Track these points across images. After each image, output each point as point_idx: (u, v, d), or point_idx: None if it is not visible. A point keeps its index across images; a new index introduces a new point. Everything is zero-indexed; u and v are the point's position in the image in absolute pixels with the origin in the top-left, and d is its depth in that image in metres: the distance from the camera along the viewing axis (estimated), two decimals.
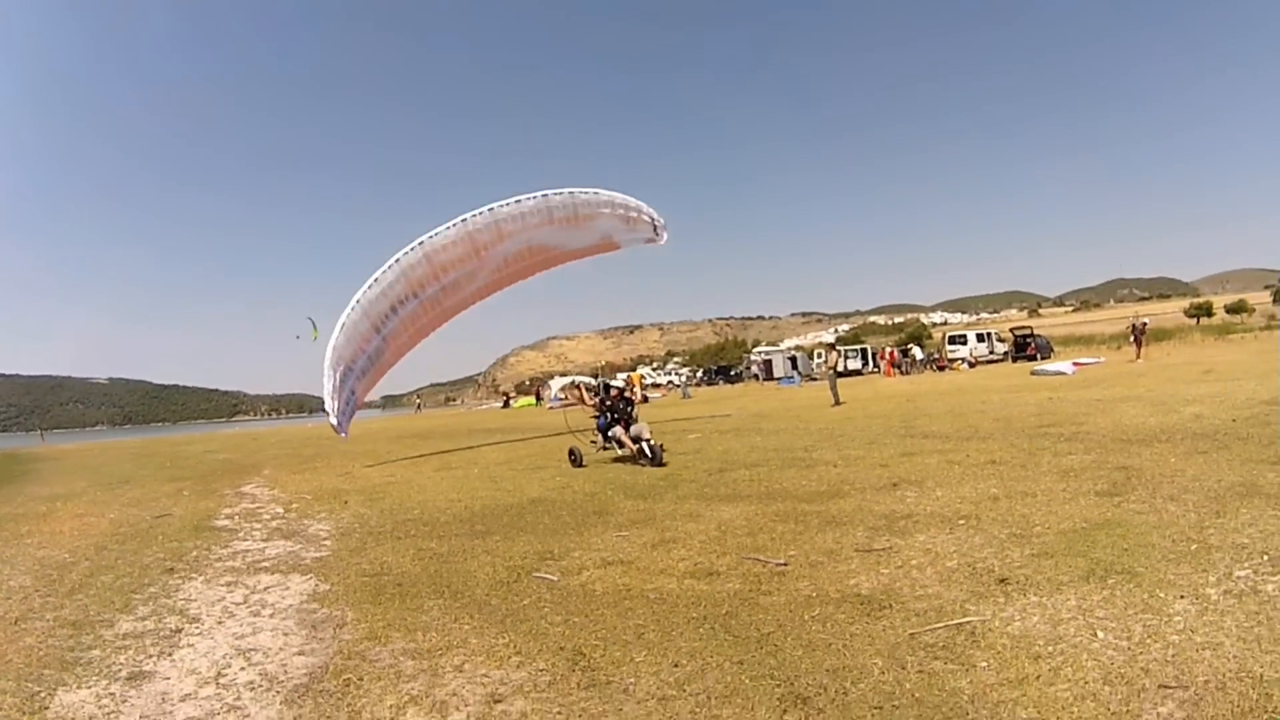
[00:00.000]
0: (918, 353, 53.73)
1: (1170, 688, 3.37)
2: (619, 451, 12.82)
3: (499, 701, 3.67)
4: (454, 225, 16.00)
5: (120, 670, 4.43)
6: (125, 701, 4.00)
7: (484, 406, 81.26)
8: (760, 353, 69.15)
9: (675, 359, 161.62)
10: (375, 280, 15.82)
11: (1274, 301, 73.52)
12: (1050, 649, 3.89)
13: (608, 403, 13.54)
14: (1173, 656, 3.67)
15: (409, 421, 42.32)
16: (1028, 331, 53.76)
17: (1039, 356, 45.26)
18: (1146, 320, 38.83)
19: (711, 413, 24.62)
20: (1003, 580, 4.95)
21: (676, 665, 3.98)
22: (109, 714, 3.87)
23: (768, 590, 5.09)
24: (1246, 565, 4.79)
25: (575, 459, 12.82)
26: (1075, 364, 32.36)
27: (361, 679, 4.07)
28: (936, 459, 9.98)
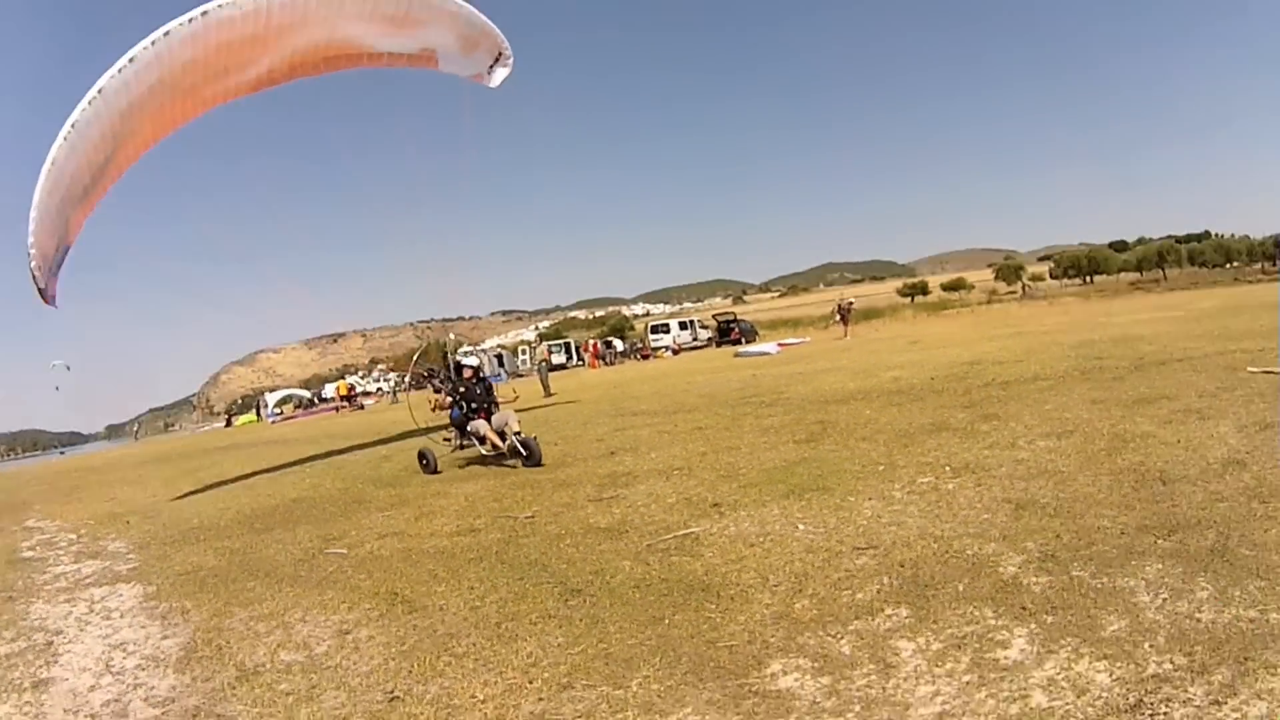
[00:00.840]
0: (619, 344, 68.36)
1: (863, 549, 6.27)
2: (482, 450, 13.58)
3: (348, 632, 6.09)
4: None
5: (23, 683, 6.12)
6: (43, 705, 5.64)
7: (205, 429, 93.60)
8: (465, 352, 78.03)
9: (379, 365, 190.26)
10: (126, 63, 14.00)
11: (996, 278, 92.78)
12: (761, 539, 6.76)
13: (461, 389, 14.12)
14: (863, 532, 6.68)
15: (143, 448, 53.07)
16: (731, 317, 69.43)
17: (743, 341, 58.28)
18: (852, 300, 51.62)
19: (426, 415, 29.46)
20: (716, 505, 8.05)
21: (471, 589, 6.66)
22: (37, 717, 5.48)
23: (524, 535, 8.29)
24: (929, 475, 8.29)
25: (427, 464, 13.67)
26: (780, 345, 42.70)
27: (228, 642, 6.27)
28: (648, 430, 14.31)
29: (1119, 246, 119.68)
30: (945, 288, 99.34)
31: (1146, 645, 4.13)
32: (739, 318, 68.57)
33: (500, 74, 18.83)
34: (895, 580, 5.47)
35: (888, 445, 9.92)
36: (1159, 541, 5.60)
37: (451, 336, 17.87)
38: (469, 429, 13.68)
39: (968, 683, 3.99)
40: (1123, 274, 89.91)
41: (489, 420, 13.46)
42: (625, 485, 9.82)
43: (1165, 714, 3.51)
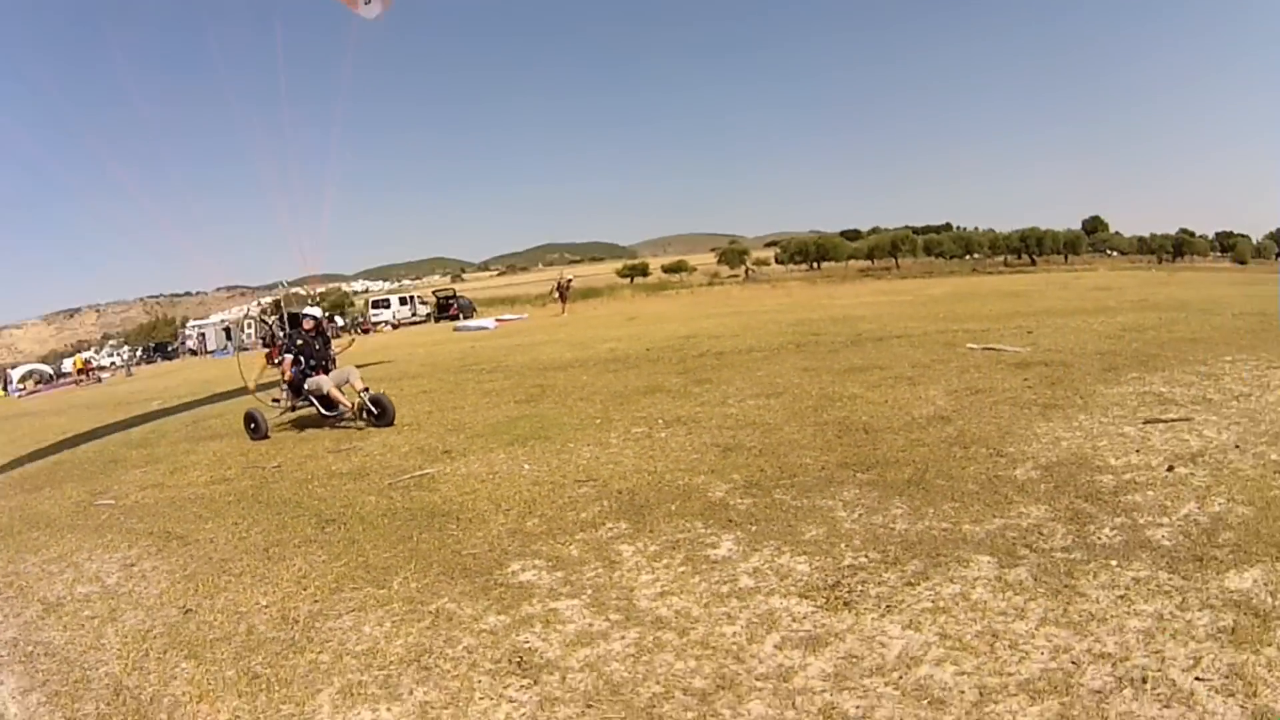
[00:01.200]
0: (340, 320, 70.44)
1: (584, 481, 7.47)
2: (321, 411, 13.22)
3: (133, 565, 6.90)
4: None
5: None
6: None
7: None
8: (195, 327, 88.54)
9: (111, 340, 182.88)
10: None
11: (718, 262, 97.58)
12: (491, 476, 7.87)
13: (299, 342, 13.57)
14: (584, 469, 7.89)
15: None
16: (450, 294, 72.50)
17: (462, 316, 61.38)
18: (571, 278, 55.55)
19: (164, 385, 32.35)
20: (446, 452, 9.16)
21: (236, 524, 7.68)
22: None
23: (274, 481, 9.41)
24: (643, 425, 9.64)
25: (256, 428, 13.17)
26: (498, 320, 45.35)
27: (28, 583, 6.93)
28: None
29: (851, 235, 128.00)
30: (666, 269, 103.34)
31: (843, 545, 5.41)
32: (458, 294, 71.77)
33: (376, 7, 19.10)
34: (614, 504, 6.65)
35: (604, 404, 11.32)
36: (858, 474, 7.03)
37: (284, 284, 16.42)
38: (306, 387, 13.34)
39: (683, 572, 5.12)
40: (853, 261, 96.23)
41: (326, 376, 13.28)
42: (361, 440, 10.84)
43: (862, 591, 4.72)
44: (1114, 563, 5.35)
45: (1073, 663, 4.20)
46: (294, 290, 16.23)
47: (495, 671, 4.12)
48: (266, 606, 5.23)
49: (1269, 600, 4.77)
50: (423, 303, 72.88)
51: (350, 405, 12.84)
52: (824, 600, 4.74)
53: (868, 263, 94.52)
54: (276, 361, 14.07)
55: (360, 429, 12.58)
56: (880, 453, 7.79)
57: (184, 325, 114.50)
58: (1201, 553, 5.50)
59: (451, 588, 5.18)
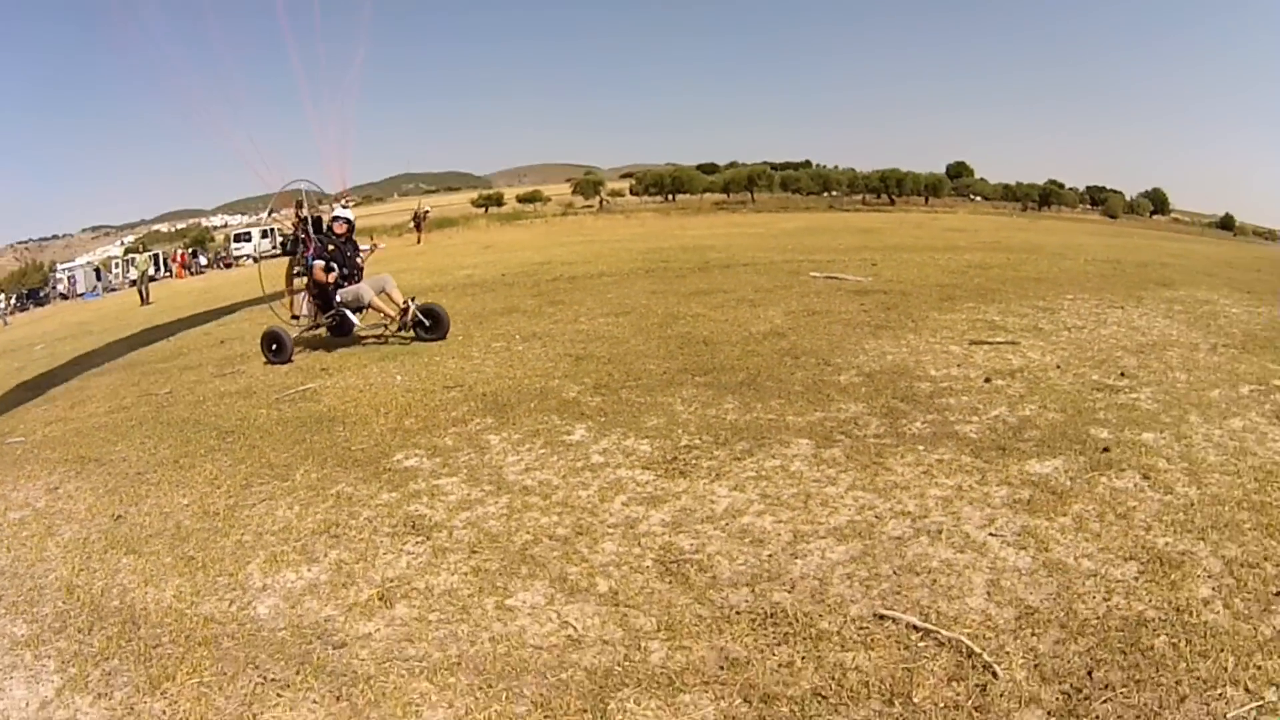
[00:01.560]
0: (201, 257, 72.14)
1: (451, 387, 8.37)
2: (355, 321, 12.25)
3: (57, 488, 7.21)
4: None
5: None
6: None
7: None
8: (65, 270, 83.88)
9: None
10: None
11: (573, 193, 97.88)
12: (368, 387, 8.74)
13: (330, 248, 12.31)
14: (451, 377, 8.84)
15: None
16: None
17: None
18: (429, 209, 55.49)
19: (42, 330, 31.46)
20: (324, 369, 9.98)
21: (144, 443, 8.12)
22: None
23: (169, 406, 9.74)
24: (502, 341, 10.63)
25: (280, 348, 11.66)
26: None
27: None
28: (249, 324, 16.25)
29: (708, 169, 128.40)
30: (521, 199, 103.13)
31: (680, 431, 6.45)
32: None
33: None
34: (480, 404, 7.59)
35: (464, 323, 12.15)
36: (696, 378, 8.07)
37: (309, 182, 14.56)
38: (341, 298, 12.12)
39: (543, 453, 6.11)
40: (708, 195, 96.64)
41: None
42: (241, 363, 11.35)
43: (695, 464, 5.74)
44: (921, 448, 6.19)
45: (876, 517, 5.02)
46: (309, 190, 14.02)
47: (394, 534, 4.97)
48: (188, 505, 5.90)
49: (1068, 483, 5.60)
50: (282, 235, 71.63)
51: (395, 316, 11.98)
52: (663, 471, 5.70)
53: (723, 196, 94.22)
54: (298, 271, 12.98)
55: (405, 343, 11.78)
56: (718, 360, 8.78)
57: (53, 269, 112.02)
58: (1005, 444, 6.34)
59: (347, 475, 6.00)
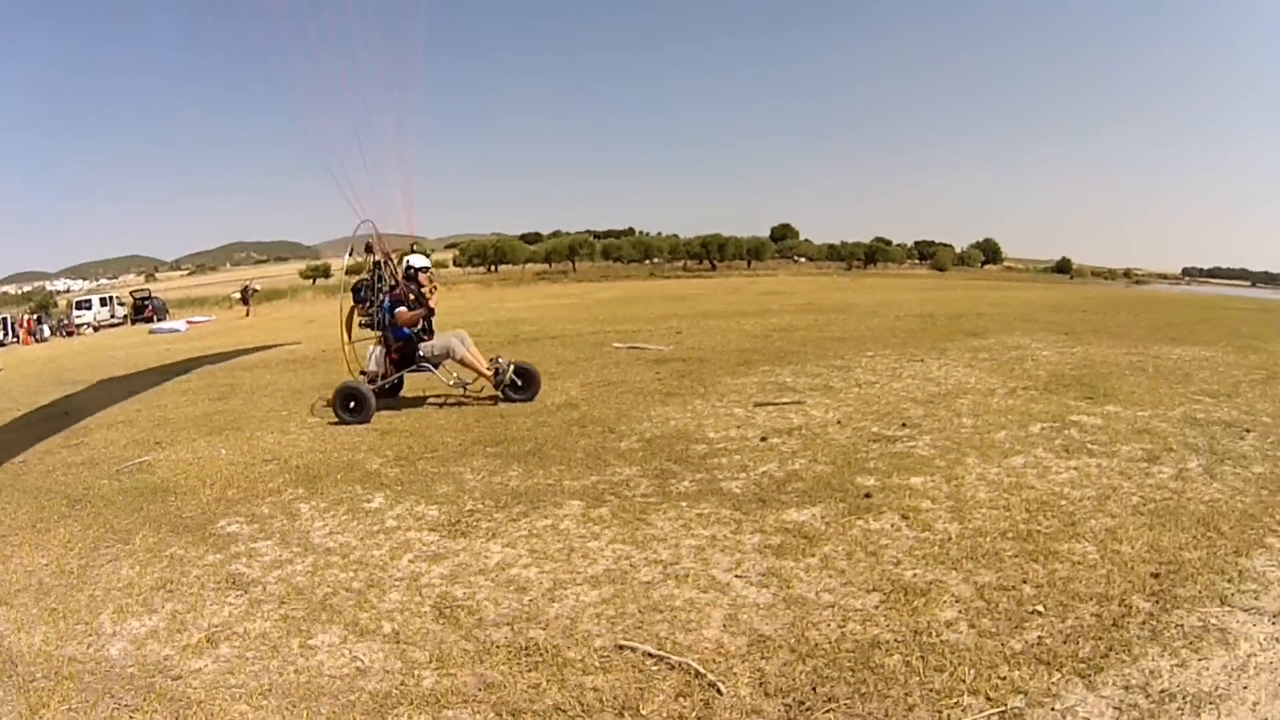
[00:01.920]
0: (46, 324, 65.62)
1: (269, 460, 8.72)
2: (441, 378, 11.43)
3: None
4: None
5: None
6: None
7: None
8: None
9: None
10: None
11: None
12: (197, 460, 8.95)
13: (411, 296, 11.25)
14: (269, 451, 9.16)
15: None
16: (146, 294, 69.04)
17: (156, 318, 59.07)
18: (258, 286, 57.44)
19: None
20: (158, 443, 10.01)
21: (3, 508, 7.85)
22: None
23: (21, 474, 9.32)
24: (317, 416, 11.05)
25: (358, 407, 10.63)
26: (189, 322, 45.62)
27: None
28: (85, 396, 15.77)
29: (532, 238, 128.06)
30: (347, 271, 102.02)
31: (466, 497, 6.99)
32: (152, 294, 68.57)
33: None
34: (293, 476, 7.96)
35: (284, 399, 12.46)
36: (487, 448, 8.63)
37: (371, 224, 11.94)
38: (430, 351, 11.30)
39: (345, 518, 6.62)
40: (530, 264, 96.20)
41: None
42: (85, 435, 11.13)
43: (475, 525, 6.31)
44: (684, 504, 6.58)
45: (630, 565, 5.42)
46: (372, 236, 11.89)
47: (218, 588, 5.37)
48: (47, 564, 6.06)
49: (822, 528, 5.92)
50: (120, 304, 68.49)
51: (488, 374, 11.20)
52: (447, 532, 6.21)
53: (545, 266, 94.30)
54: (364, 322, 11.60)
55: (492, 404, 11.18)
56: (510, 432, 9.32)
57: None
58: (768, 497, 6.66)
59: (179, 539, 6.33)
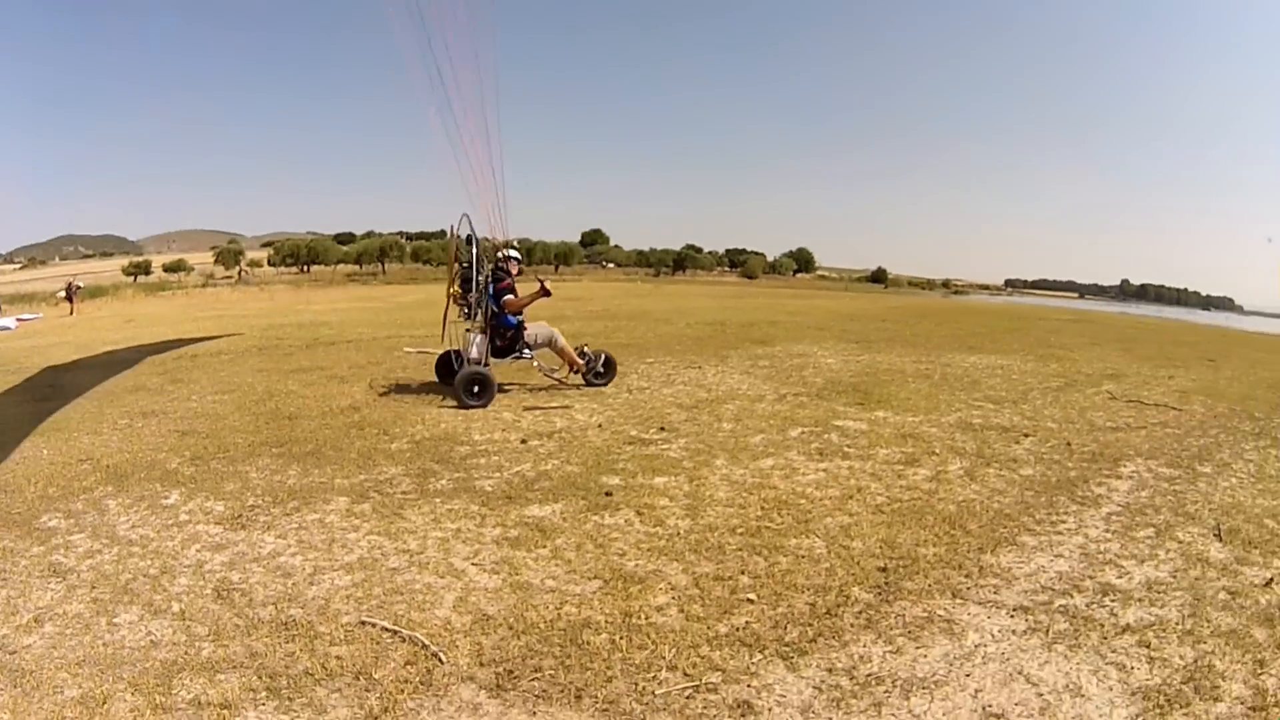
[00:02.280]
0: None
1: (84, 461, 8.93)
2: (536, 365, 11.60)
3: None
4: None
5: None
6: None
7: None
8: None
9: None
10: None
11: (216, 262, 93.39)
12: (23, 460, 9.02)
13: (506, 280, 11.36)
14: (86, 452, 9.31)
15: None
16: None
17: None
18: (81, 284, 55.09)
19: None
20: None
21: None
22: None
23: None
24: (126, 419, 11.05)
25: (482, 390, 10.75)
26: (19, 320, 42.51)
27: None
28: None
29: (345, 239, 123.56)
30: (167, 269, 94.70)
31: (249, 494, 7.39)
32: None
33: None
34: (104, 475, 8.15)
35: (99, 401, 12.24)
36: (273, 449, 9.03)
37: (467, 216, 11.86)
38: (535, 338, 11.56)
39: (146, 513, 6.99)
40: (342, 265, 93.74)
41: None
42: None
43: (254, 519, 6.68)
44: (439, 500, 6.98)
45: (382, 554, 5.86)
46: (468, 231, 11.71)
47: (42, 576, 5.71)
48: None
49: (560, 522, 6.37)
50: None
51: (578, 362, 11.64)
52: (230, 525, 6.65)
53: (356, 268, 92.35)
54: (467, 312, 11.65)
55: (577, 388, 11.68)
56: (295, 434, 9.62)
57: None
58: (515, 494, 7.07)
59: (9, 534, 6.53)
